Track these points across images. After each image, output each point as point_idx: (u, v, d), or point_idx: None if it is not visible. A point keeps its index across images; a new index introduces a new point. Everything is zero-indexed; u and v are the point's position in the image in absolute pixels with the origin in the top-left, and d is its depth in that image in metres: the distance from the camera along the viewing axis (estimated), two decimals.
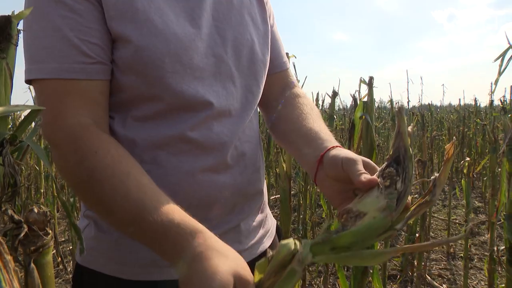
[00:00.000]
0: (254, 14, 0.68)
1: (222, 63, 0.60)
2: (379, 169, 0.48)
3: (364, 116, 0.98)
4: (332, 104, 2.05)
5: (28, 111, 0.30)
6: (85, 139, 0.49)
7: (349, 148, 1.09)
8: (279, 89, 0.76)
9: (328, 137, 0.62)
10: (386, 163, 0.46)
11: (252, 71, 0.65)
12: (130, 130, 0.57)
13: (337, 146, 0.59)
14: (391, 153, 0.46)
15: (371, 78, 1.01)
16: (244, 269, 0.39)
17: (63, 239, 3.02)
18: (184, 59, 0.56)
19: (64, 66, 0.51)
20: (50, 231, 0.29)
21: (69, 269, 2.50)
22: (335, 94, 1.99)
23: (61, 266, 2.49)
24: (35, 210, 0.29)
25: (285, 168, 1.03)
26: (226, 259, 0.39)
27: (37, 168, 2.77)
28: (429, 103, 6.18)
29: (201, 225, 0.44)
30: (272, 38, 0.73)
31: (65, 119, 0.50)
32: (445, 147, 0.45)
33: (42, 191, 2.63)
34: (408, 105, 5.14)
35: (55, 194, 2.50)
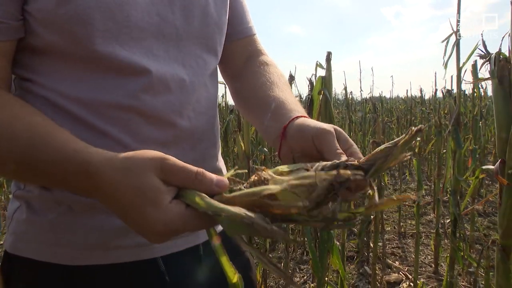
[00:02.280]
0: None
1: (166, 24, 0.53)
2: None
3: (322, 91, 0.96)
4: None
5: None
6: None
7: None
8: (243, 57, 0.69)
9: (293, 106, 0.56)
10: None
11: (204, 35, 0.58)
12: (58, 97, 0.49)
13: (302, 116, 0.54)
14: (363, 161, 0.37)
15: (329, 53, 1.00)
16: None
17: None
18: (119, 16, 0.48)
19: None
20: None
21: None
22: (291, 78, 1.98)
23: None
24: None
25: (243, 147, 0.99)
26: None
27: None
28: (379, 94, 6.48)
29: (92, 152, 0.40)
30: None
31: None
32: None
33: None
34: (361, 94, 5.35)
35: None
